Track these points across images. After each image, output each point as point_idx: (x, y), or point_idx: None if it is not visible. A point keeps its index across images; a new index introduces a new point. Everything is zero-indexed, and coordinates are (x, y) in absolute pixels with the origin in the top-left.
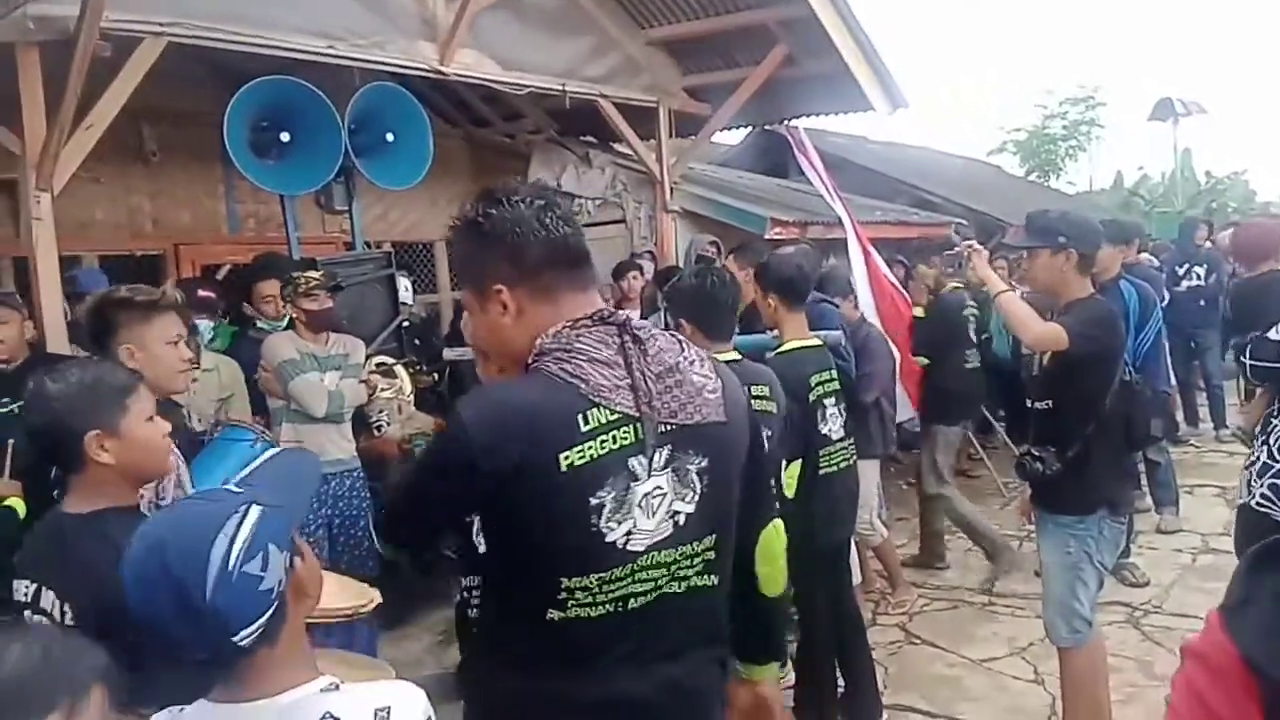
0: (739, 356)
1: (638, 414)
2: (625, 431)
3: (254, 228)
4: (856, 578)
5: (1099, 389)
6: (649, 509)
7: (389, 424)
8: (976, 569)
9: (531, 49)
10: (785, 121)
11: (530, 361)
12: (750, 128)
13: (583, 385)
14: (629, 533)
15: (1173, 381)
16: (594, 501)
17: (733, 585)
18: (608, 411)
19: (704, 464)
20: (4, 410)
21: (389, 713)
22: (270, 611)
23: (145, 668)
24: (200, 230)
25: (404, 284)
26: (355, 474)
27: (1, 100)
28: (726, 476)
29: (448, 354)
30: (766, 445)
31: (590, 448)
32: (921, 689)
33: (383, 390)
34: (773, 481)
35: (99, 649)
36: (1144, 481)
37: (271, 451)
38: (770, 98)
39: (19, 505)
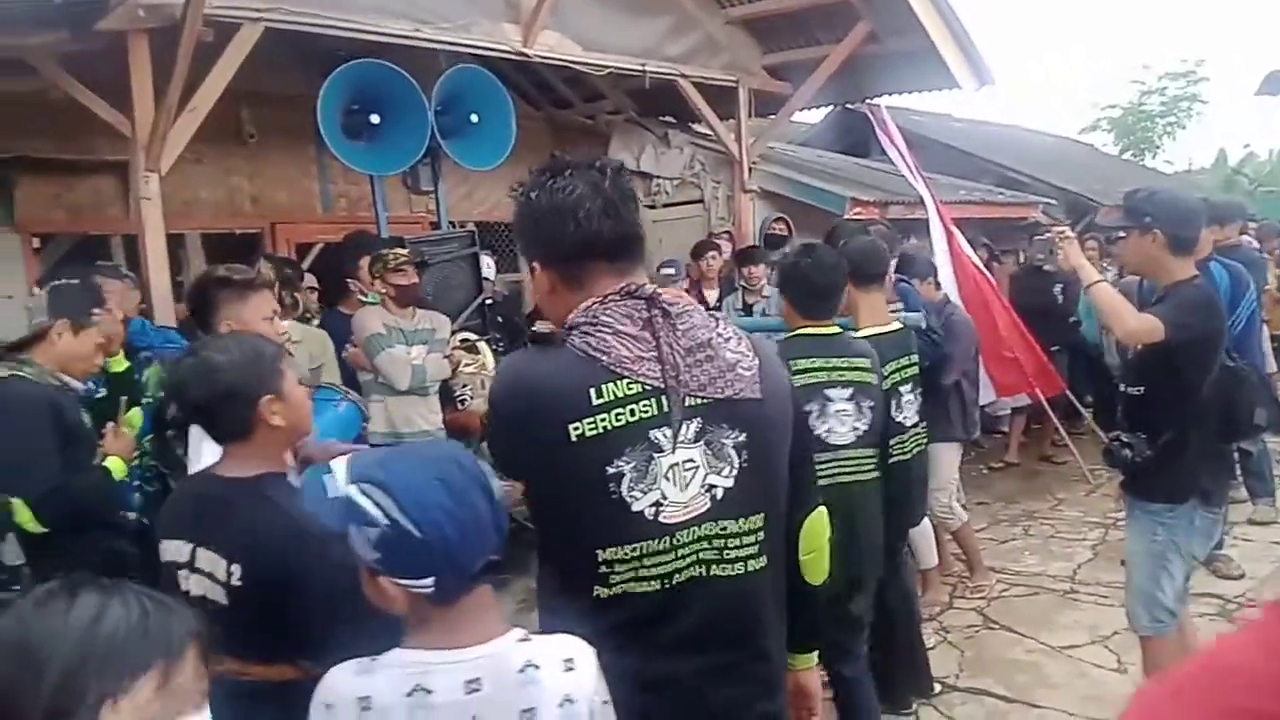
0: (838, 330)
1: (663, 386)
2: (647, 404)
3: (345, 207)
4: (933, 560)
5: (1197, 376)
6: (679, 481)
7: (471, 398)
8: (1059, 556)
9: (612, 29)
10: (867, 100)
11: (564, 335)
12: (831, 107)
13: (604, 358)
14: (657, 504)
15: (1274, 367)
16: (611, 470)
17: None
18: (627, 384)
19: (741, 438)
20: (120, 370)
21: (574, 663)
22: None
23: (314, 625)
24: (296, 209)
25: (487, 262)
26: None
27: (113, 87)
28: (768, 453)
29: (540, 327)
30: (814, 428)
31: (603, 420)
32: (998, 674)
33: (466, 365)
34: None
35: (191, 610)
36: (1238, 471)
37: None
38: (852, 76)
39: (118, 467)
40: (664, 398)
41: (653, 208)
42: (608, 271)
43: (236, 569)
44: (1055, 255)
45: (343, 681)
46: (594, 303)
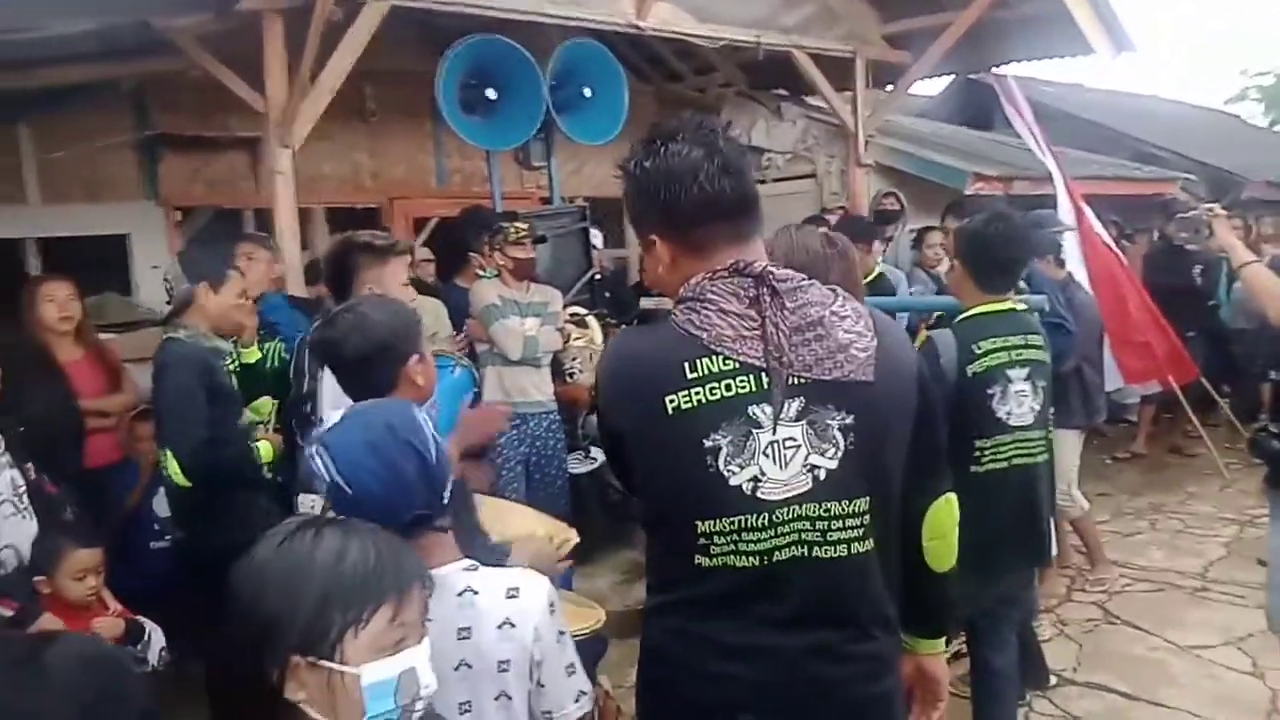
0: (1017, 308)
1: (764, 364)
2: (745, 380)
3: (459, 183)
4: (1051, 551)
5: None
6: (779, 459)
7: (580, 371)
8: (1189, 552)
9: (726, 1)
10: (992, 69)
11: (674, 309)
12: (952, 77)
13: (703, 335)
14: (755, 479)
15: None
16: (708, 444)
17: (904, 556)
18: (723, 359)
19: (848, 421)
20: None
21: (518, 592)
22: (453, 479)
23: None
24: (412, 184)
25: (595, 235)
26: (552, 415)
27: (249, 65)
28: (879, 437)
29: (645, 303)
30: (938, 412)
31: (697, 393)
32: (1119, 670)
33: (575, 339)
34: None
35: (418, 555)
36: None
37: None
38: (976, 44)
39: (266, 451)
40: (765, 375)
41: (763, 182)
42: (730, 236)
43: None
44: (1202, 234)
45: None
46: (703, 278)
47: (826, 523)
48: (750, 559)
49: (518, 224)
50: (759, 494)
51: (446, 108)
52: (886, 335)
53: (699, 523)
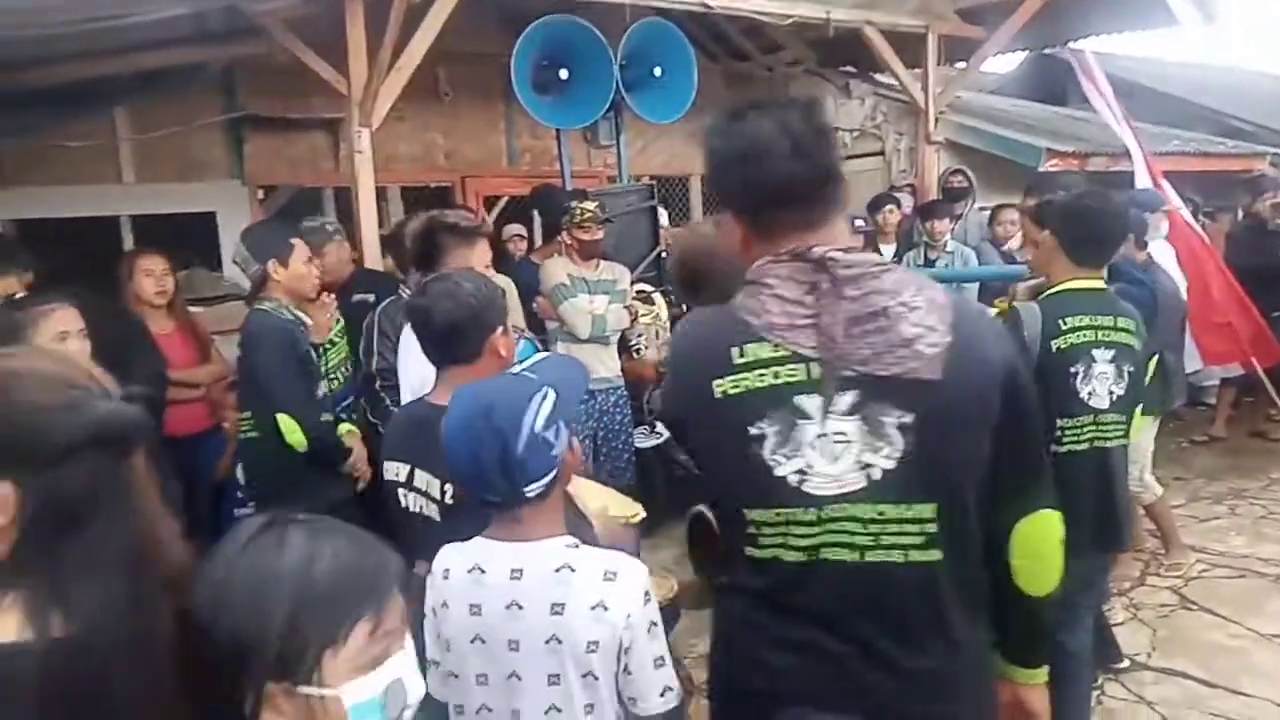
0: (1104, 287)
1: (816, 354)
2: (794, 368)
3: (529, 162)
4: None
5: None
6: (827, 453)
7: (646, 348)
8: (1272, 539)
9: None
10: (1068, 44)
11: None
12: (1026, 52)
13: (755, 321)
14: (802, 472)
15: None
16: (754, 431)
17: (990, 571)
18: (772, 346)
19: (907, 420)
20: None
21: (616, 576)
22: (554, 473)
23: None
24: (484, 163)
25: (664, 216)
26: (619, 391)
27: (330, 47)
28: (947, 440)
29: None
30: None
31: (745, 379)
32: (1196, 656)
33: (642, 316)
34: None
35: (391, 549)
36: None
37: (544, 355)
38: (1052, 18)
39: (300, 441)
40: (816, 365)
41: None
42: (798, 223)
43: (449, 488)
44: None
45: (442, 556)
46: (766, 261)
47: (881, 526)
48: (798, 554)
49: (585, 205)
50: (806, 487)
51: (520, 87)
52: (968, 331)
53: (747, 511)
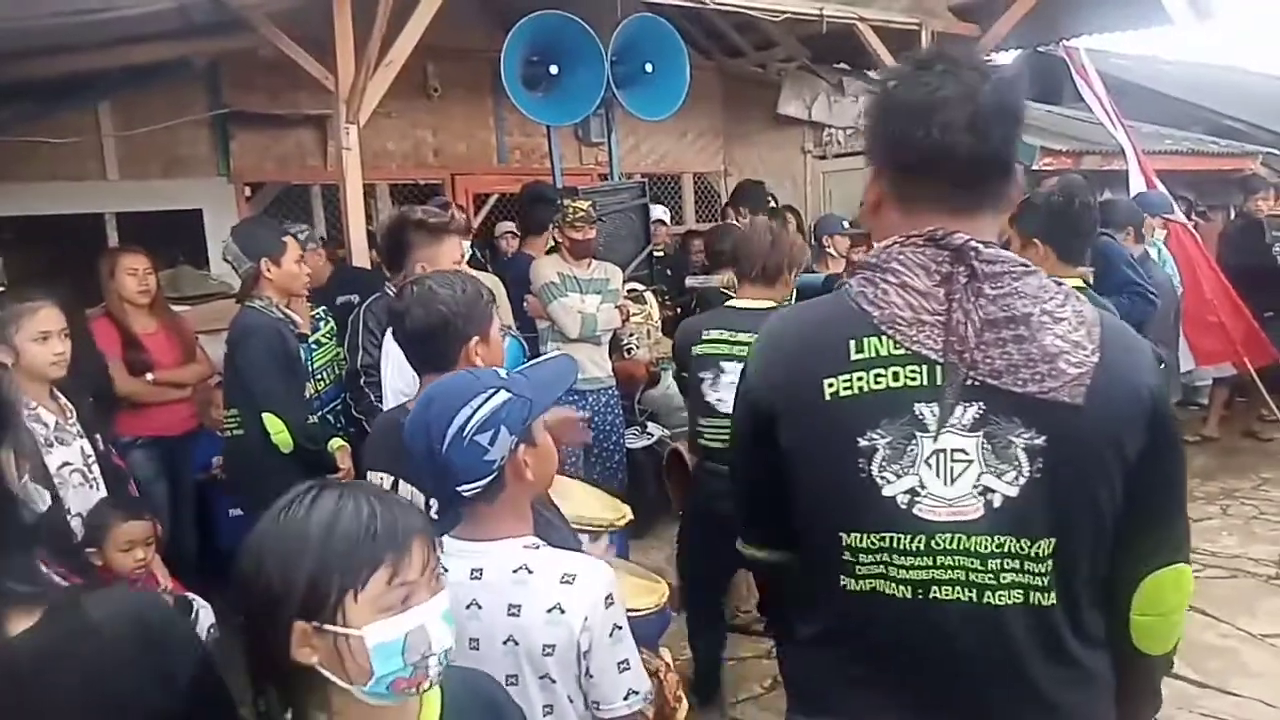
0: (1086, 284)
1: (940, 358)
2: (915, 370)
3: (520, 159)
4: None
5: None
6: (944, 473)
7: (638, 347)
8: (1264, 539)
9: None
10: (1062, 42)
11: (849, 277)
12: (1020, 50)
13: (875, 313)
14: (913, 491)
15: None
16: (863, 442)
17: (1106, 623)
18: (893, 344)
19: (1037, 443)
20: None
21: (574, 579)
22: (490, 479)
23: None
24: (474, 161)
25: (662, 210)
26: (610, 391)
27: (317, 43)
28: (1079, 470)
29: (690, 281)
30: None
31: (860, 379)
32: (1188, 657)
33: (634, 315)
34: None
35: (418, 509)
36: None
37: (552, 355)
38: (1047, 15)
39: (286, 441)
40: (937, 368)
41: (823, 158)
42: (943, 202)
43: (434, 502)
44: None
45: None
46: (894, 242)
47: (1000, 561)
48: (903, 588)
49: (576, 204)
50: (916, 510)
51: (510, 84)
52: (1118, 353)
53: (843, 535)
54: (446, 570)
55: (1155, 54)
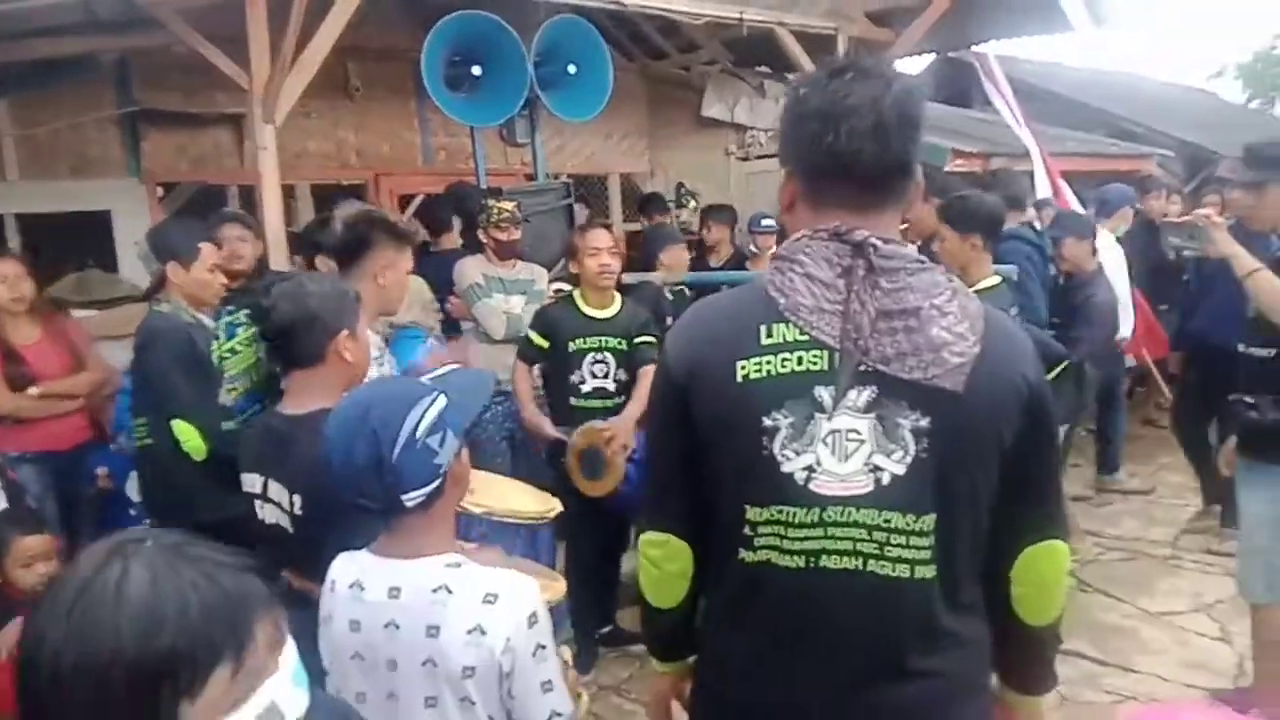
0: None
1: (836, 344)
2: (816, 355)
3: (445, 160)
4: None
5: None
6: (839, 450)
7: None
8: (1161, 521)
9: None
10: (973, 47)
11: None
12: (933, 55)
13: (782, 300)
14: (810, 469)
15: None
16: (768, 422)
17: (985, 594)
18: (797, 330)
19: (923, 424)
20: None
21: (496, 599)
22: (436, 484)
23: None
24: (398, 161)
25: (582, 213)
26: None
27: (232, 41)
28: (959, 453)
29: (627, 278)
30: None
31: (769, 362)
32: (1092, 637)
33: None
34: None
35: (256, 580)
36: None
37: (454, 366)
38: (958, 21)
39: (198, 448)
40: (836, 355)
41: (746, 159)
42: (849, 203)
43: (298, 499)
44: (1199, 240)
45: (334, 565)
46: (802, 236)
47: (886, 535)
48: (795, 558)
49: (501, 204)
50: (811, 485)
51: (431, 84)
52: (998, 345)
53: (748, 506)
54: (364, 588)
55: (1060, 61)
